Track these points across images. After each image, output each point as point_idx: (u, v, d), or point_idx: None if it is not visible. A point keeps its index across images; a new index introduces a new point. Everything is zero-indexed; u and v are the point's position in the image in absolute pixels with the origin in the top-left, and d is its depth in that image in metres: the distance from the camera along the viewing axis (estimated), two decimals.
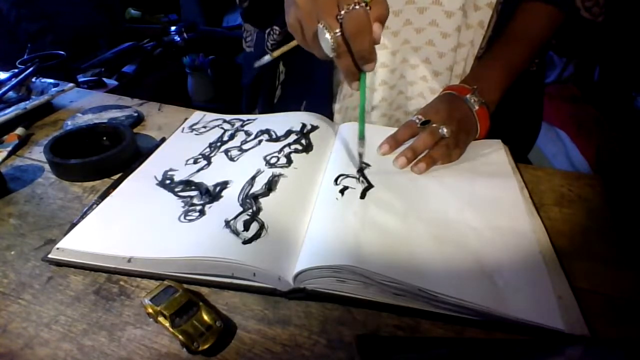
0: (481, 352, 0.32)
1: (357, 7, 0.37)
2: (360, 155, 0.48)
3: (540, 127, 0.73)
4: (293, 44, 0.46)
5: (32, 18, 1.63)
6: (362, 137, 0.47)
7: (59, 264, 0.40)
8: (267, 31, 0.63)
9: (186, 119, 0.63)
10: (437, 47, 0.59)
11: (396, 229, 0.40)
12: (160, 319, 0.33)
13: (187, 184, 0.48)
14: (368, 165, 0.49)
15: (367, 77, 0.63)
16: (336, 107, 0.65)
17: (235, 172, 0.49)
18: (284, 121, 0.59)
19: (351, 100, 0.66)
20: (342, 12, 0.38)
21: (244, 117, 0.62)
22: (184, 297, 0.34)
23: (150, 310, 0.34)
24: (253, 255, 0.36)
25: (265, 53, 0.50)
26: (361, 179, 0.47)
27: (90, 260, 0.39)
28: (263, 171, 0.48)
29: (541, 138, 0.74)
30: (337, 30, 0.38)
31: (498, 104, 0.56)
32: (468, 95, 0.53)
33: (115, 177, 0.51)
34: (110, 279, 0.38)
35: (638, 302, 0.36)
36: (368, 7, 0.38)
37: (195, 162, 0.52)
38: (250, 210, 0.42)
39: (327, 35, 0.39)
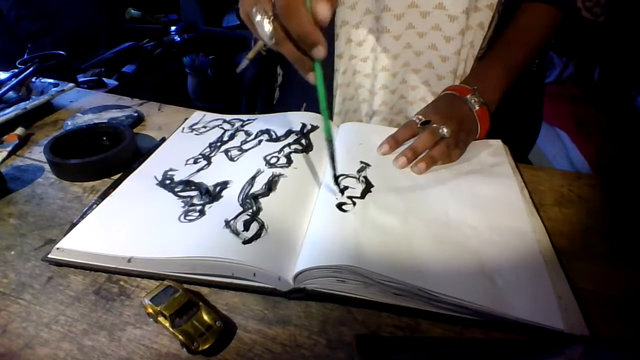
0: (481, 352, 0.32)
1: None
2: (333, 160, 0.43)
3: (541, 127, 0.73)
4: (261, 44, 0.43)
5: (32, 18, 1.63)
6: (329, 138, 0.42)
7: (59, 264, 0.40)
8: None
9: (186, 119, 0.63)
10: (440, 51, 0.59)
11: (396, 228, 0.40)
12: (160, 319, 0.33)
13: (187, 184, 0.48)
14: (368, 165, 0.49)
15: (367, 80, 0.64)
16: (336, 109, 0.65)
17: (235, 172, 0.49)
18: (284, 121, 0.59)
19: (352, 103, 0.66)
20: None
21: (244, 117, 0.62)
22: (184, 297, 0.34)
23: (150, 310, 0.34)
24: (253, 255, 0.36)
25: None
26: (361, 179, 0.47)
27: (90, 260, 0.39)
28: (263, 171, 0.48)
29: (541, 138, 0.74)
30: (272, 14, 0.35)
31: (498, 104, 0.56)
32: (468, 96, 0.53)
33: (115, 177, 0.51)
34: (110, 279, 0.38)
35: (638, 302, 0.36)
36: None
37: (195, 162, 0.52)
38: (250, 210, 0.42)
39: (264, 21, 0.35)
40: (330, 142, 0.42)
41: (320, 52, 0.36)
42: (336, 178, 0.44)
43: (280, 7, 0.34)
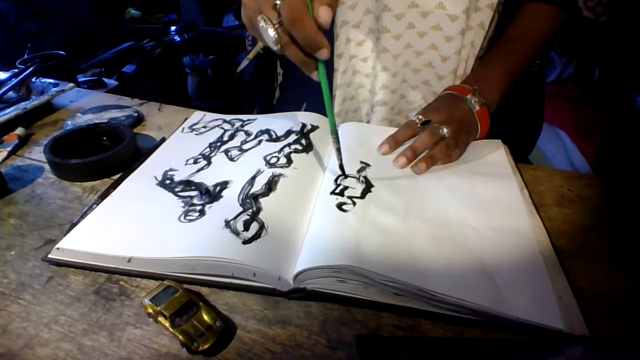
0: (481, 352, 0.32)
1: None
2: (338, 150, 0.46)
3: (542, 128, 0.73)
4: (261, 44, 0.45)
5: (32, 18, 1.63)
6: (334, 131, 0.44)
7: (59, 264, 0.40)
8: None
9: (186, 119, 0.63)
10: (440, 51, 0.59)
11: (396, 228, 0.40)
12: (160, 319, 0.33)
13: (187, 184, 0.48)
14: (368, 165, 0.49)
15: (367, 80, 0.64)
16: (336, 109, 0.65)
17: (235, 172, 0.49)
18: (284, 121, 0.59)
19: (352, 102, 0.66)
20: (278, 2, 0.36)
21: (244, 117, 0.62)
22: (184, 297, 0.34)
23: (150, 310, 0.34)
24: (253, 255, 0.36)
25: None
26: (361, 179, 0.47)
27: (90, 260, 0.39)
28: (263, 171, 0.48)
29: (541, 138, 0.74)
30: (276, 21, 0.37)
31: (499, 105, 0.56)
32: (469, 96, 0.53)
33: (115, 177, 0.51)
34: (110, 279, 0.38)
35: (638, 302, 0.36)
36: None
37: (195, 162, 0.52)
38: (250, 210, 0.42)
39: (269, 29, 0.37)
40: (335, 134, 0.44)
41: (324, 54, 0.38)
42: (342, 167, 0.46)
43: (286, 16, 0.36)
